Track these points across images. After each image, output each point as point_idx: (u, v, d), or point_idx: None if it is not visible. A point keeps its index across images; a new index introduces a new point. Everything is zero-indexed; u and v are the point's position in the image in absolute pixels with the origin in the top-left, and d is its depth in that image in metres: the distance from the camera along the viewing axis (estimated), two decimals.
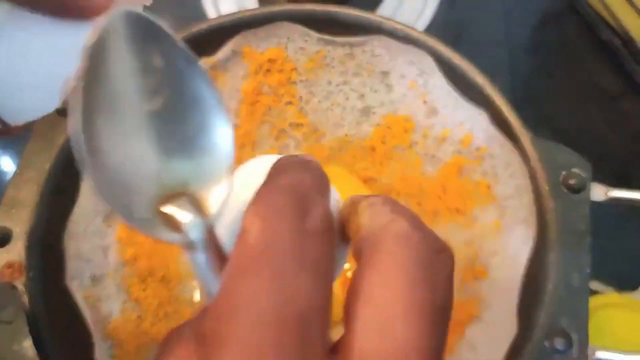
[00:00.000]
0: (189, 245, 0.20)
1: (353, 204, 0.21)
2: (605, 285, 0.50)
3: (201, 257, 0.19)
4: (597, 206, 0.36)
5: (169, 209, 0.20)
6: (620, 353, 0.32)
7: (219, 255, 0.20)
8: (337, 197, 0.23)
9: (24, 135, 0.41)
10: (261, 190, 0.18)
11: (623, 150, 0.58)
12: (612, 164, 0.55)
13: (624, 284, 0.50)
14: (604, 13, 0.62)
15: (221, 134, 0.21)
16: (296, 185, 0.18)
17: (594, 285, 0.49)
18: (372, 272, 0.17)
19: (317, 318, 0.15)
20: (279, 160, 0.21)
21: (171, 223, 0.20)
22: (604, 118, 0.60)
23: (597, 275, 0.49)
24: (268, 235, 0.16)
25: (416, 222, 0.19)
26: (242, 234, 0.17)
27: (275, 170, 0.20)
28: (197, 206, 0.20)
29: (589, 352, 0.32)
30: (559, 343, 0.31)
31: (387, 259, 0.17)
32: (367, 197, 0.21)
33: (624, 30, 0.61)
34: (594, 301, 0.45)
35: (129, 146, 0.20)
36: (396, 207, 0.20)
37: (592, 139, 0.57)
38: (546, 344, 0.31)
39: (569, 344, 0.31)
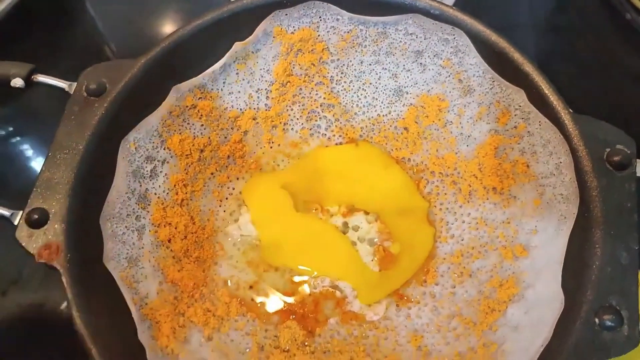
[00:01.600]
0: None
1: None
2: None
3: None
4: None
5: None
6: None
7: None
8: None
9: (48, 119, 0.41)
10: None
11: None
12: None
13: None
14: None
15: None
16: None
17: None
18: None
19: None
20: None
21: None
22: (629, 98, 0.59)
23: None
24: None
25: None
26: None
27: None
28: None
29: None
30: (609, 320, 0.31)
31: None
32: None
33: None
34: None
35: None
36: None
37: (618, 120, 0.57)
38: (596, 321, 0.31)
39: (620, 320, 0.31)
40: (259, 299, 0.41)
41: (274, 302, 0.41)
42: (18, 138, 0.59)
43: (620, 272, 0.32)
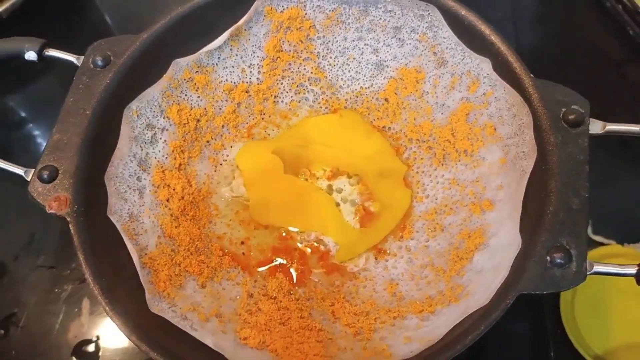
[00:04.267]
0: None
1: None
2: (608, 239, 0.52)
3: None
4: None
5: None
6: (616, 265, 0.35)
7: None
8: None
9: (59, 106, 0.44)
10: None
11: (630, 114, 0.59)
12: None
13: (626, 238, 0.52)
14: None
15: None
16: None
17: (599, 238, 0.51)
18: None
19: None
20: None
21: None
22: (609, 83, 0.62)
23: (602, 229, 0.51)
24: None
25: None
26: None
27: None
28: None
29: (587, 265, 0.34)
30: (559, 257, 0.34)
31: None
32: None
33: None
34: (598, 252, 0.48)
35: None
36: None
37: (599, 104, 0.59)
38: (547, 258, 0.34)
39: (569, 258, 0.34)
40: (249, 254, 0.44)
41: (263, 256, 0.44)
42: (32, 121, 0.63)
43: (571, 216, 0.35)
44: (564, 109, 0.39)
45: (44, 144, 0.47)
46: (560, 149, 0.37)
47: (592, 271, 0.35)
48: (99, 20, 0.68)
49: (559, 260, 0.34)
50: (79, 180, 0.39)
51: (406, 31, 0.46)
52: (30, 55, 0.44)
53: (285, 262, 0.44)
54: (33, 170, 0.40)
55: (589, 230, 0.50)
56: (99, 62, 0.43)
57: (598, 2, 0.65)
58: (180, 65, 0.46)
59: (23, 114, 0.64)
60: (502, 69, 0.41)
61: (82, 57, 0.44)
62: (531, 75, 0.40)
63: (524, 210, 0.37)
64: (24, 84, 0.63)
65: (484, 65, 0.42)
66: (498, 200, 0.40)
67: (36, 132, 0.63)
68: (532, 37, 0.66)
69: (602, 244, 0.51)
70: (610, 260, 0.48)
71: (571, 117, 0.38)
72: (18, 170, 0.41)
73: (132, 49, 0.43)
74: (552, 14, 0.68)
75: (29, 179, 0.40)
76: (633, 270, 0.34)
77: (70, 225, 0.38)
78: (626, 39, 0.62)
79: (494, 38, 0.41)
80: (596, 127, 0.39)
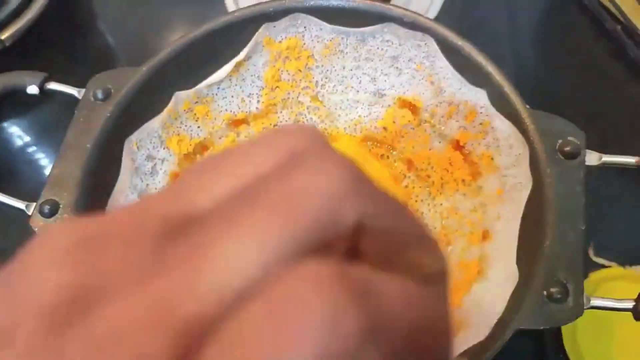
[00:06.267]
0: None
1: None
2: (610, 262, 0.52)
3: None
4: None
5: None
6: (613, 300, 0.35)
7: None
8: None
9: (62, 131, 0.45)
10: None
11: (630, 135, 0.59)
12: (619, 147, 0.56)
13: (628, 260, 0.52)
14: (607, 2, 0.65)
15: None
16: None
17: (600, 260, 0.51)
18: None
19: None
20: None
21: None
22: (610, 104, 0.62)
23: (603, 251, 0.51)
24: None
25: None
26: None
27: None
28: None
29: (584, 300, 0.34)
30: (556, 292, 0.34)
31: None
32: None
33: (626, 18, 0.63)
34: (600, 274, 0.48)
35: None
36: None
37: (600, 125, 0.59)
38: (544, 293, 0.34)
39: (566, 293, 0.34)
40: None
41: None
42: (34, 147, 0.64)
43: (568, 250, 0.35)
44: (560, 141, 0.39)
45: (47, 171, 0.48)
46: (557, 181, 0.37)
47: (589, 305, 0.35)
48: (102, 45, 0.69)
49: (556, 295, 0.34)
50: (79, 213, 0.40)
51: (403, 60, 0.46)
52: (32, 90, 0.45)
53: None
54: (34, 204, 0.41)
55: (591, 252, 0.50)
56: (100, 95, 0.44)
57: (598, 23, 0.66)
58: (180, 97, 0.46)
59: (26, 142, 0.64)
60: (498, 99, 0.42)
61: (82, 90, 0.44)
62: (527, 106, 0.40)
63: (521, 242, 0.38)
64: (27, 112, 0.64)
65: (481, 95, 0.43)
66: (496, 230, 0.41)
67: (39, 159, 0.63)
68: (531, 60, 0.66)
69: (603, 266, 0.51)
70: (611, 283, 0.48)
71: (567, 148, 0.38)
72: (19, 204, 0.41)
73: (132, 82, 0.44)
74: (550, 36, 0.68)
75: (30, 213, 0.40)
76: (630, 305, 0.34)
77: None
78: (627, 61, 0.63)
79: (490, 69, 0.42)
80: (593, 158, 0.39)
